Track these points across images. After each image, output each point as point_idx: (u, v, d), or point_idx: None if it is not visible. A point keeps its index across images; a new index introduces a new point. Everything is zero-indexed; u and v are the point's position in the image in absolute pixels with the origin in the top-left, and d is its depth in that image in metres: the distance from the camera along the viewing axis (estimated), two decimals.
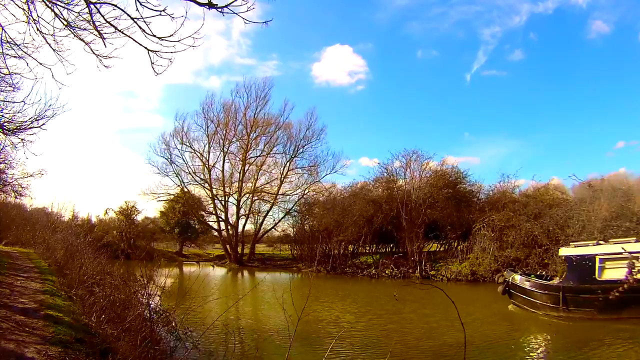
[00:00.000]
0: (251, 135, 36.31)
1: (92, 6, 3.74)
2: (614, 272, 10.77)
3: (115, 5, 3.70)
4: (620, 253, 10.69)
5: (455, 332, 9.32)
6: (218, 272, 29.52)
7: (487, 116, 60.30)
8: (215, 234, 38.88)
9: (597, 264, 10.98)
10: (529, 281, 12.61)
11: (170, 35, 3.75)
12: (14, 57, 5.30)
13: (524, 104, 60.25)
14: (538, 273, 14.52)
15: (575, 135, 56.63)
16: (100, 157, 64.93)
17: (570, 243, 13.58)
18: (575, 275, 11.56)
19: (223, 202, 36.72)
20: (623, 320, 10.18)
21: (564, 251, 12.51)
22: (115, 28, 3.85)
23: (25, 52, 5.15)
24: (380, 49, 66.29)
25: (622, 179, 20.48)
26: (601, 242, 12.10)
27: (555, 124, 56.90)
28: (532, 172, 59.67)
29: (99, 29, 3.92)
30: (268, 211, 37.17)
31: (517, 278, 12.99)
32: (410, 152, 27.31)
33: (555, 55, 58.42)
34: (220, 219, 36.96)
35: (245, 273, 30.51)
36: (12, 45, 5.03)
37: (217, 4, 3.36)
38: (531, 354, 8.67)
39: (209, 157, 36.78)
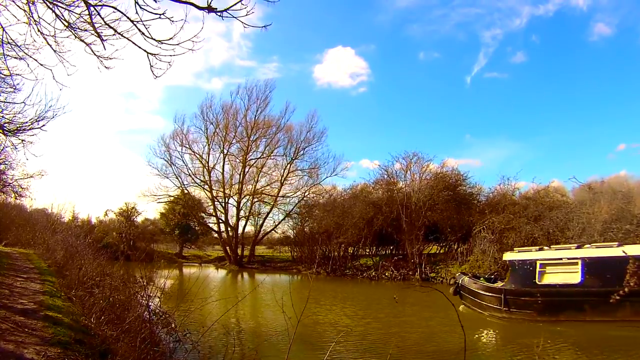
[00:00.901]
0: (251, 137, 36.37)
1: (92, 8, 3.74)
2: (553, 277, 11.30)
3: (115, 8, 3.68)
4: (560, 259, 11.27)
5: (455, 336, 9.29)
6: (218, 274, 29.48)
7: (488, 118, 60.46)
8: (215, 235, 38.87)
9: (538, 269, 11.46)
10: (476, 283, 13.13)
11: (170, 39, 3.73)
12: (15, 58, 5.31)
13: (525, 106, 60.34)
14: (487, 276, 14.90)
15: (577, 138, 56.75)
16: (100, 158, 65.17)
17: (515, 249, 14.17)
18: (517, 278, 12.01)
19: (223, 204, 36.76)
20: (561, 323, 10.58)
21: (507, 256, 13.02)
22: (115, 30, 3.84)
23: (26, 53, 5.16)
24: (382, 50, 66.56)
25: (622, 181, 20.53)
26: (545, 247, 12.61)
27: (556, 126, 57.02)
28: (533, 175, 59.53)
29: (98, 31, 3.91)
30: (268, 213, 37.25)
31: (466, 280, 13.52)
32: (410, 154, 27.37)
33: (557, 58, 58.58)
34: (220, 221, 36.98)
35: (245, 275, 30.47)
36: (13, 46, 5.04)
37: (216, 8, 3.34)
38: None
39: (208, 158, 36.91)
